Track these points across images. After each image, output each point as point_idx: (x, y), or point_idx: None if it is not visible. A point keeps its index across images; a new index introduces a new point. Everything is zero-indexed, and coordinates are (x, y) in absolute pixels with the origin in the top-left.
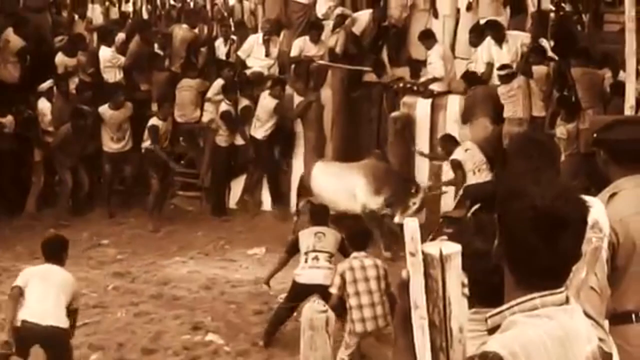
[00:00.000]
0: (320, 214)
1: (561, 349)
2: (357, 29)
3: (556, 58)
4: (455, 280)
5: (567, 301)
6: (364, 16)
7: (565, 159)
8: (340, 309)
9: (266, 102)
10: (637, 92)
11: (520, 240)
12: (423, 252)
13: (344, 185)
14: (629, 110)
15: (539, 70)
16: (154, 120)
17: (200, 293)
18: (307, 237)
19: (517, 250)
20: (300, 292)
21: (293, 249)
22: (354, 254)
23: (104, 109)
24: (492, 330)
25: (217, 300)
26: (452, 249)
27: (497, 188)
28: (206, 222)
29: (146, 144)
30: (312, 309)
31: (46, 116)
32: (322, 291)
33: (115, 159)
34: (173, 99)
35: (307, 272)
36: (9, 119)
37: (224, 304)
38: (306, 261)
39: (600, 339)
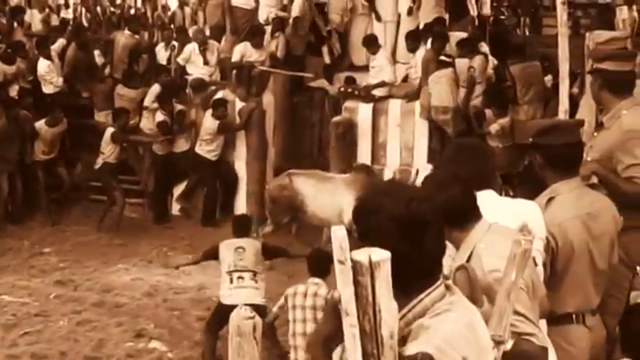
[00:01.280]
0: (242, 225)
1: (472, 332)
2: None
3: (485, 53)
4: (385, 287)
5: (448, 290)
6: (296, 3)
7: (501, 152)
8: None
9: (209, 123)
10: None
11: (390, 251)
12: (352, 260)
13: (332, 202)
14: (562, 114)
15: (461, 63)
16: (110, 130)
17: (143, 300)
18: (228, 252)
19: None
20: (226, 313)
21: (210, 256)
22: (310, 279)
23: (41, 125)
24: (401, 341)
25: (160, 307)
26: (381, 255)
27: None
28: (149, 229)
29: (103, 156)
30: (240, 316)
31: None
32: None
33: (48, 164)
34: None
35: (234, 292)
36: None
37: (167, 311)
38: (231, 281)
39: (531, 334)
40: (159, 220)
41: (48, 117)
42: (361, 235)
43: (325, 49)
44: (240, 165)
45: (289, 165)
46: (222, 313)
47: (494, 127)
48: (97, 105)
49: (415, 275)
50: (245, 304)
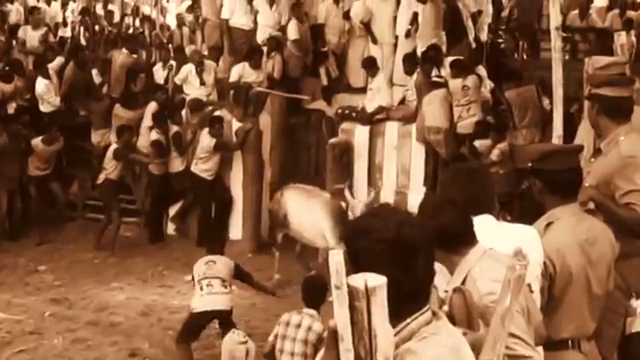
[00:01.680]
0: (214, 244)
1: (458, 356)
2: (291, 35)
3: (480, 75)
4: (381, 312)
5: (434, 316)
6: (292, 25)
7: (500, 177)
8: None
9: (206, 141)
10: None
11: (379, 274)
12: (348, 285)
13: (314, 222)
14: (556, 140)
15: (455, 83)
16: (114, 146)
17: (138, 319)
18: (199, 266)
19: None
20: (200, 321)
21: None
22: (304, 309)
23: (37, 142)
24: None
25: (154, 327)
26: (378, 281)
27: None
28: (144, 248)
29: (106, 172)
30: (233, 340)
31: None
32: (220, 316)
33: (41, 180)
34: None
35: (205, 299)
36: None
37: (161, 330)
38: (201, 289)
39: (527, 357)
40: (155, 240)
41: (45, 136)
42: (351, 258)
43: (322, 70)
44: (237, 185)
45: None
46: (195, 323)
47: (494, 153)
48: (95, 124)
49: (403, 300)
50: (216, 310)
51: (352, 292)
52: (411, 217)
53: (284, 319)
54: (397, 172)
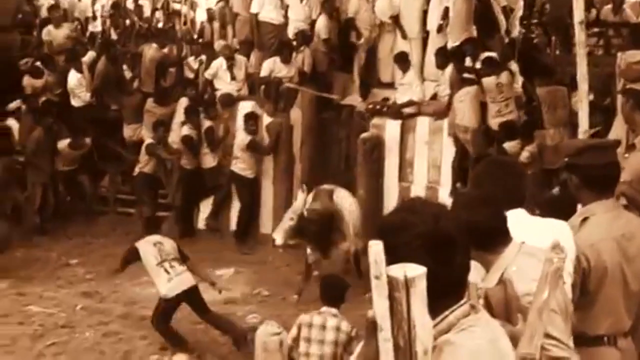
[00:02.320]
0: (153, 224)
1: (496, 347)
2: (321, 34)
3: (512, 70)
4: (420, 303)
5: (473, 309)
6: (321, 22)
7: (529, 178)
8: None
9: (241, 138)
10: None
11: None
12: (387, 275)
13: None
14: (582, 135)
15: (488, 81)
16: (148, 141)
17: None
18: (148, 248)
19: None
20: (174, 305)
21: (131, 259)
22: (323, 309)
23: (63, 146)
24: None
25: (184, 320)
26: (417, 271)
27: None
28: (175, 242)
29: (140, 165)
30: (266, 332)
31: (14, 136)
32: (192, 292)
33: (70, 174)
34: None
35: (175, 280)
36: None
37: (191, 324)
38: (167, 272)
39: (566, 358)
40: (185, 234)
41: (71, 140)
42: (388, 252)
43: (356, 65)
44: (267, 180)
45: (315, 182)
46: (170, 307)
47: (523, 155)
48: (126, 119)
49: (440, 293)
50: (188, 287)
51: (391, 283)
52: (446, 210)
53: (305, 320)
54: (428, 167)
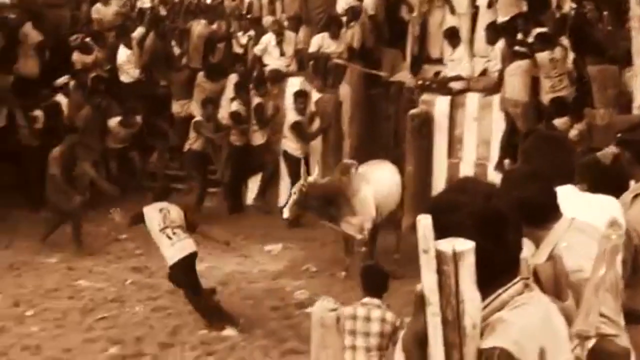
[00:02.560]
0: (162, 192)
1: (550, 324)
2: (368, 10)
3: (565, 45)
4: (469, 278)
5: (527, 287)
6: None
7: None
8: None
9: (290, 117)
10: None
11: None
12: (436, 250)
13: None
14: (636, 110)
15: (542, 56)
16: (196, 119)
17: (218, 288)
18: (154, 214)
19: None
20: (183, 269)
21: (137, 220)
22: (365, 299)
23: (114, 124)
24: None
25: (234, 296)
26: (465, 246)
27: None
28: (223, 218)
29: (189, 142)
30: (323, 307)
31: (63, 111)
32: (193, 257)
33: (120, 152)
34: (192, 97)
35: (177, 245)
36: (39, 113)
37: (240, 300)
38: (169, 237)
39: (615, 335)
40: (234, 210)
41: (122, 119)
42: (439, 232)
43: (410, 39)
44: (316, 156)
45: (364, 158)
46: (180, 273)
47: (572, 133)
48: (175, 95)
49: (494, 271)
50: (190, 253)
51: (439, 257)
52: (496, 189)
53: (349, 312)
54: (477, 143)
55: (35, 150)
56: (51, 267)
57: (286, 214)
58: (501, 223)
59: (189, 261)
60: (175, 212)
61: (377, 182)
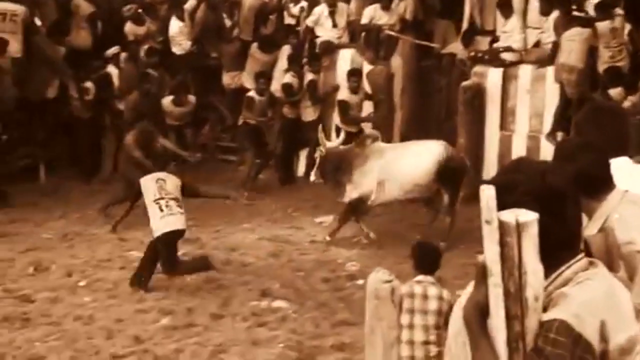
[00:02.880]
0: (161, 162)
1: (612, 300)
2: None
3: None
4: (532, 249)
5: (591, 264)
6: None
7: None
8: None
9: (341, 94)
10: None
11: None
12: (499, 220)
13: None
14: None
15: (602, 25)
16: (251, 93)
17: (269, 260)
18: (150, 184)
19: None
20: (169, 241)
21: (136, 195)
22: (419, 277)
23: (168, 102)
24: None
25: (285, 267)
26: (529, 217)
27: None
28: (275, 189)
29: (243, 115)
30: (377, 279)
31: (114, 82)
32: (180, 235)
33: (177, 128)
34: (244, 68)
35: (167, 219)
36: (90, 85)
37: (291, 271)
38: (161, 209)
39: None
40: (285, 182)
41: (174, 97)
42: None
43: (467, 8)
44: (367, 128)
45: (415, 130)
46: (166, 245)
47: (625, 104)
48: (226, 66)
49: (556, 248)
50: (178, 230)
51: (502, 228)
52: (551, 165)
53: (406, 290)
54: (529, 115)
55: (87, 122)
56: (103, 238)
57: (312, 177)
58: (559, 199)
59: (172, 237)
60: (171, 183)
61: (393, 161)
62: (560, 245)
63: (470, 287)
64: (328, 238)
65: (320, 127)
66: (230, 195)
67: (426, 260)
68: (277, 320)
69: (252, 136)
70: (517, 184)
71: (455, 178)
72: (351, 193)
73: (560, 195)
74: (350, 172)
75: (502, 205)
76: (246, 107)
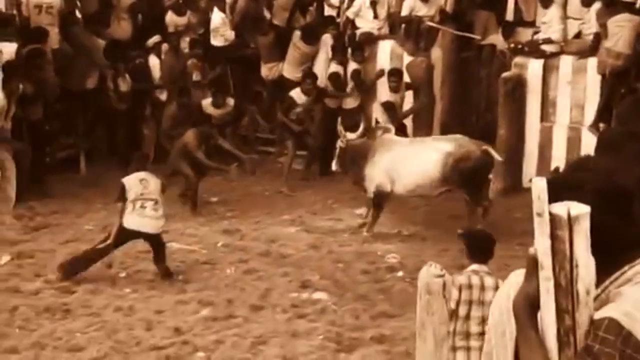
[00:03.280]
0: (141, 161)
1: None
2: None
3: None
4: (584, 242)
5: None
6: None
7: None
8: None
9: (382, 94)
10: None
11: (597, 225)
12: (550, 213)
13: None
14: None
15: None
16: (294, 93)
17: (309, 251)
18: (134, 184)
19: (596, 235)
20: (126, 237)
21: (123, 197)
22: (474, 266)
23: (207, 104)
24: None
25: (324, 259)
26: (581, 210)
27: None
28: (314, 181)
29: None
30: (429, 273)
31: (152, 73)
32: (147, 238)
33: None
34: (282, 59)
35: (135, 219)
36: (127, 80)
37: (331, 263)
38: (134, 208)
39: None
40: (325, 173)
41: (213, 99)
42: None
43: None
44: (407, 121)
45: (456, 122)
46: (123, 236)
47: None
48: (263, 57)
49: (621, 248)
50: (144, 232)
51: (554, 221)
52: (620, 164)
53: (464, 281)
54: (570, 107)
55: (124, 113)
56: None
57: (333, 166)
58: (626, 198)
59: (131, 236)
60: (154, 183)
61: (399, 157)
62: (627, 245)
63: (513, 278)
64: (366, 233)
65: (339, 119)
66: (230, 171)
67: (480, 248)
68: (316, 312)
69: (293, 131)
70: (583, 182)
71: (469, 178)
72: (370, 186)
73: (627, 195)
74: (365, 165)
75: None
76: (287, 107)
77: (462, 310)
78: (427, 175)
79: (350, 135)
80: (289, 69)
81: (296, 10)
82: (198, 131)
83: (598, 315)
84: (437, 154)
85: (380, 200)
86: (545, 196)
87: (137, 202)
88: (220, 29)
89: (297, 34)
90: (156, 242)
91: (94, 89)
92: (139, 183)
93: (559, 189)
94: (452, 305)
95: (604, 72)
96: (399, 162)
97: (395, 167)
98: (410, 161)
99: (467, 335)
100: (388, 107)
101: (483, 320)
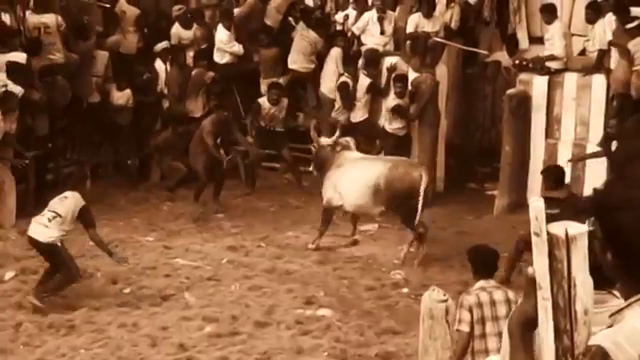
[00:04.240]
0: (77, 179)
1: None
2: None
3: None
4: (582, 262)
5: None
6: None
7: None
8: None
9: (389, 101)
10: None
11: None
12: (548, 233)
13: None
14: None
15: None
16: (261, 100)
17: (314, 267)
18: (55, 200)
19: (636, 258)
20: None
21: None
22: (481, 283)
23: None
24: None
25: (329, 275)
26: (579, 229)
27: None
28: (319, 196)
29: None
30: (432, 298)
31: (161, 77)
32: (38, 247)
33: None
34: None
35: (32, 224)
36: (127, 93)
37: (336, 279)
38: (42, 215)
39: None
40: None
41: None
42: (608, 232)
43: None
44: (412, 133)
45: (461, 138)
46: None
47: None
48: (263, 72)
49: None
50: (33, 237)
51: (552, 240)
52: None
53: (473, 301)
54: (575, 124)
55: (128, 127)
56: (148, 246)
57: (315, 172)
58: None
59: (31, 241)
60: (71, 201)
61: (343, 174)
62: None
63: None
64: (311, 246)
65: (313, 123)
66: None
67: (484, 264)
68: (321, 329)
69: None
70: (638, 203)
71: (400, 201)
72: (323, 198)
73: None
74: (324, 175)
75: (617, 223)
76: (255, 113)
77: (477, 330)
78: (362, 195)
79: (325, 140)
80: (298, 59)
81: (290, 14)
82: (217, 118)
83: (592, 340)
84: (372, 175)
85: (327, 215)
86: (542, 216)
87: (45, 213)
88: (227, 45)
89: (301, 24)
90: (49, 256)
91: (97, 103)
92: (58, 199)
93: (609, 206)
94: (465, 327)
95: (624, 91)
96: (344, 180)
97: (341, 183)
98: (351, 179)
99: (486, 352)
100: (398, 110)
101: (499, 335)
